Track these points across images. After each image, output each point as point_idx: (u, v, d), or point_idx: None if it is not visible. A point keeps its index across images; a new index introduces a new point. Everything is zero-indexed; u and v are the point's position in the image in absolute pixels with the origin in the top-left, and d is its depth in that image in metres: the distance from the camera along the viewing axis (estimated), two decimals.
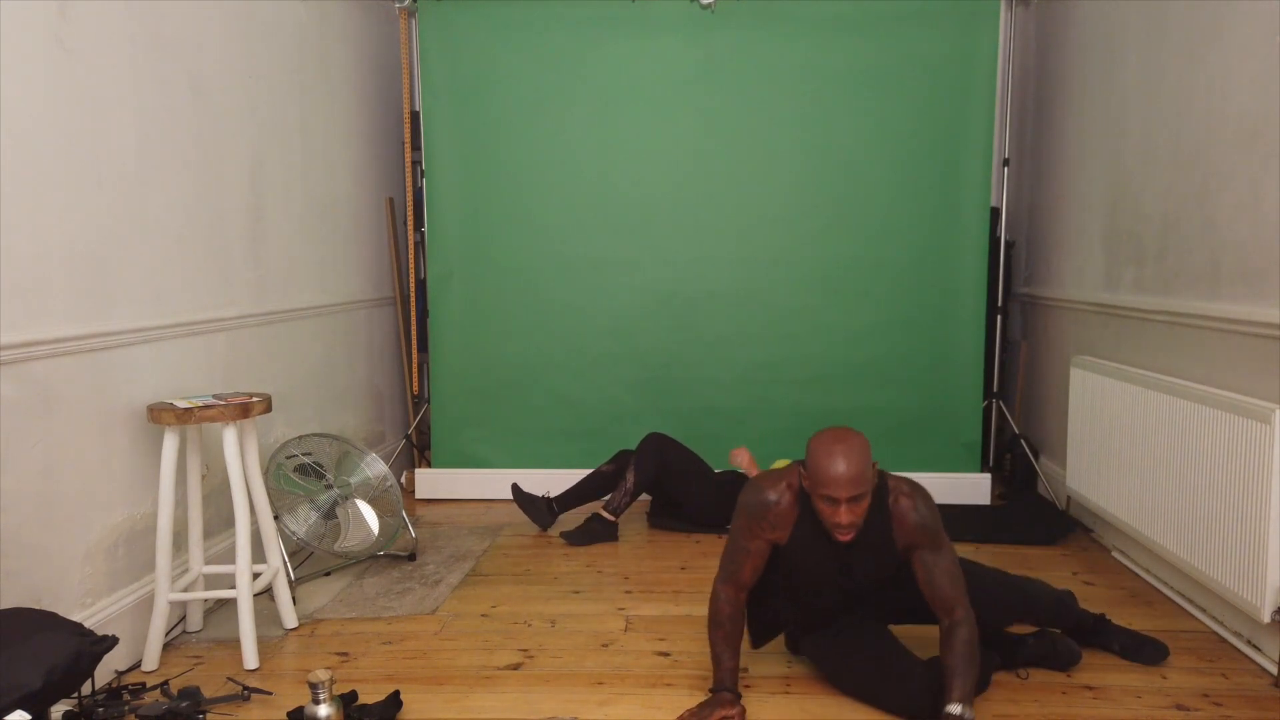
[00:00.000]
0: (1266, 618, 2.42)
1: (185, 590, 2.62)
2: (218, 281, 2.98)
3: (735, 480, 3.74)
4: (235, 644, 2.59)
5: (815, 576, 2.28)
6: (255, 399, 2.61)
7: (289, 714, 2.23)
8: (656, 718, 2.26)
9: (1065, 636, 2.52)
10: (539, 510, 3.71)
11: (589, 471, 3.80)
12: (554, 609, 2.95)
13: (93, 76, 2.39)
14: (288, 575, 2.89)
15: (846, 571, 2.26)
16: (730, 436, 4.15)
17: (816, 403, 4.10)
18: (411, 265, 4.51)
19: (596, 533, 3.60)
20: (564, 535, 3.61)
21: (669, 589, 3.12)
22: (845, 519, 2.09)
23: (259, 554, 2.88)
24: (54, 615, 1.99)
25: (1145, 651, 2.53)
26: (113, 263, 2.47)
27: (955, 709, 2.07)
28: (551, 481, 3.88)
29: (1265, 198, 2.53)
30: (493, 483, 4.20)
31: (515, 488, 3.75)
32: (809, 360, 4.08)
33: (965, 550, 3.47)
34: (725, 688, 2.23)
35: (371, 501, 3.29)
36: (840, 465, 2.06)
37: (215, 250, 2.96)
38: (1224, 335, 2.72)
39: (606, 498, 3.69)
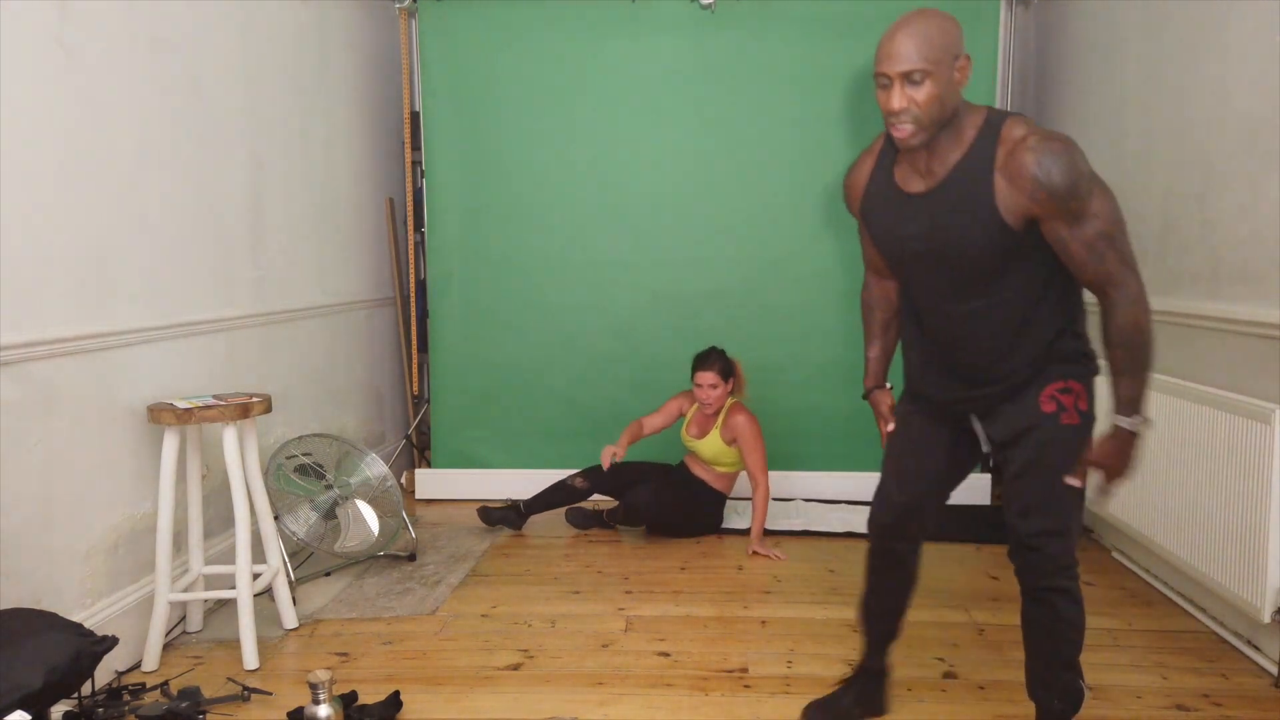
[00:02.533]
0: (1266, 618, 2.42)
1: (185, 590, 2.62)
2: (218, 282, 2.98)
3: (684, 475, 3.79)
4: (235, 644, 2.59)
5: (902, 243, 1.85)
6: (255, 399, 2.61)
7: (289, 714, 2.23)
8: (656, 718, 2.26)
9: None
10: (509, 516, 3.76)
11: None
12: (554, 609, 2.95)
13: (93, 77, 2.39)
14: (288, 575, 2.89)
15: (928, 225, 1.78)
16: None
17: (816, 402, 4.09)
18: (411, 265, 4.50)
19: (509, 518, 3.76)
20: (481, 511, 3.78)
21: (669, 589, 3.12)
22: (896, 104, 1.67)
23: (259, 554, 2.87)
24: (54, 615, 1.99)
25: None
26: (113, 263, 2.47)
27: (1123, 420, 1.72)
28: (552, 481, 3.87)
29: (1265, 198, 2.54)
30: (493, 483, 4.20)
31: (481, 512, 3.78)
32: (809, 360, 4.08)
33: (965, 550, 3.48)
34: (872, 387, 2.15)
35: (371, 502, 3.28)
36: (894, 35, 1.68)
37: (215, 250, 2.96)
38: (1223, 335, 2.72)
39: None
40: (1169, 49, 3.06)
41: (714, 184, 4.07)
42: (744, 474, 3.71)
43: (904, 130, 1.70)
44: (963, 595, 3.02)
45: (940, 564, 3.30)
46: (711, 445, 3.64)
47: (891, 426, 2.08)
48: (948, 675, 2.48)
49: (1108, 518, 3.32)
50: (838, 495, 4.03)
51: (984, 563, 3.35)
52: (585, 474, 3.74)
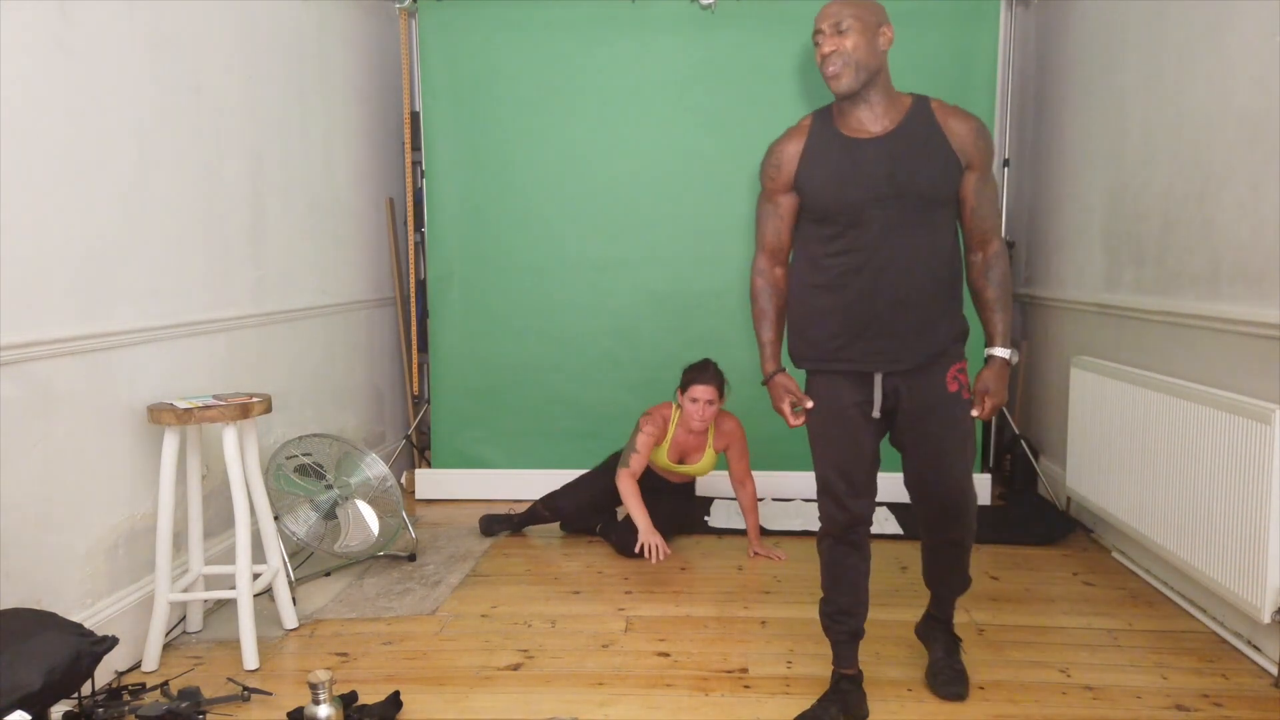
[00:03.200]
0: (1266, 618, 2.42)
1: (185, 590, 2.62)
2: (218, 282, 2.98)
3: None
4: (235, 644, 2.59)
5: (858, 183, 2.02)
6: (255, 399, 2.61)
7: (289, 714, 2.23)
8: (656, 718, 2.26)
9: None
10: (505, 522, 3.73)
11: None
12: (554, 609, 2.95)
13: (93, 77, 2.39)
14: (288, 576, 2.89)
15: (896, 168, 2.00)
16: None
17: None
18: (412, 266, 4.51)
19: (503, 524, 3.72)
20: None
21: (669, 589, 3.12)
22: (827, 47, 1.95)
23: (259, 554, 2.88)
24: (54, 615, 1.99)
25: (945, 687, 2.33)
26: (113, 263, 2.48)
27: (1000, 351, 2.06)
28: (552, 481, 3.87)
29: (1266, 198, 2.53)
30: (493, 483, 4.21)
31: (484, 520, 3.74)
32: None
33: None
34: (771, 371, 2.21)
35: (371, 502, 3.29)
36: (829, 3, 1.97)
37: (215, 251, 2.96)
38: (1224, 335, 2.72)
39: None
40: (1169, 49, 3.06)
41: (714, 184, 4.07)
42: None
43: (834, 66, 1.97)
44: (963, 595, 3.01)
45: None
46: (706, 464, 3.52)
47: (811, 404, 2.19)
48: None
49: (1108, 518, 3.32)
50: None
51: (984, 563, 3.35)
52: (550, 506, 3.65)
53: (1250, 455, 2.47)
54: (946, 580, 2.38)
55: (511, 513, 3.78)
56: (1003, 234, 2.12)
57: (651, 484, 3.56)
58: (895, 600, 2.97)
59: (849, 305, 2.08)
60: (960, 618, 2.83)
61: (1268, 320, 2.48)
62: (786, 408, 2.21)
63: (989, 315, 2.13)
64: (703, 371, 3.34)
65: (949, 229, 2.09)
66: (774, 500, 4.07)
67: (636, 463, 3.40)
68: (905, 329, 2.07)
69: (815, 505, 3.96)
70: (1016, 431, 4.30)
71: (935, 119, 2.03)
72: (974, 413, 2.14)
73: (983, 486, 4.06)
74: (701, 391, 3.31)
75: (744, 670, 2.51)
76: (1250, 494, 2.47)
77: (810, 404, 2.18)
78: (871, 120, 2.04)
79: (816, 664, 2.54)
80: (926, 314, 2.07)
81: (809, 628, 2.78)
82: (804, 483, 4.08)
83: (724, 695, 2.38)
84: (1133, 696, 2.35)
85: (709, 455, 3.49)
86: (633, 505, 3.32)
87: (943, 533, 2.24)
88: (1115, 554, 3.39)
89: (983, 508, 3.96)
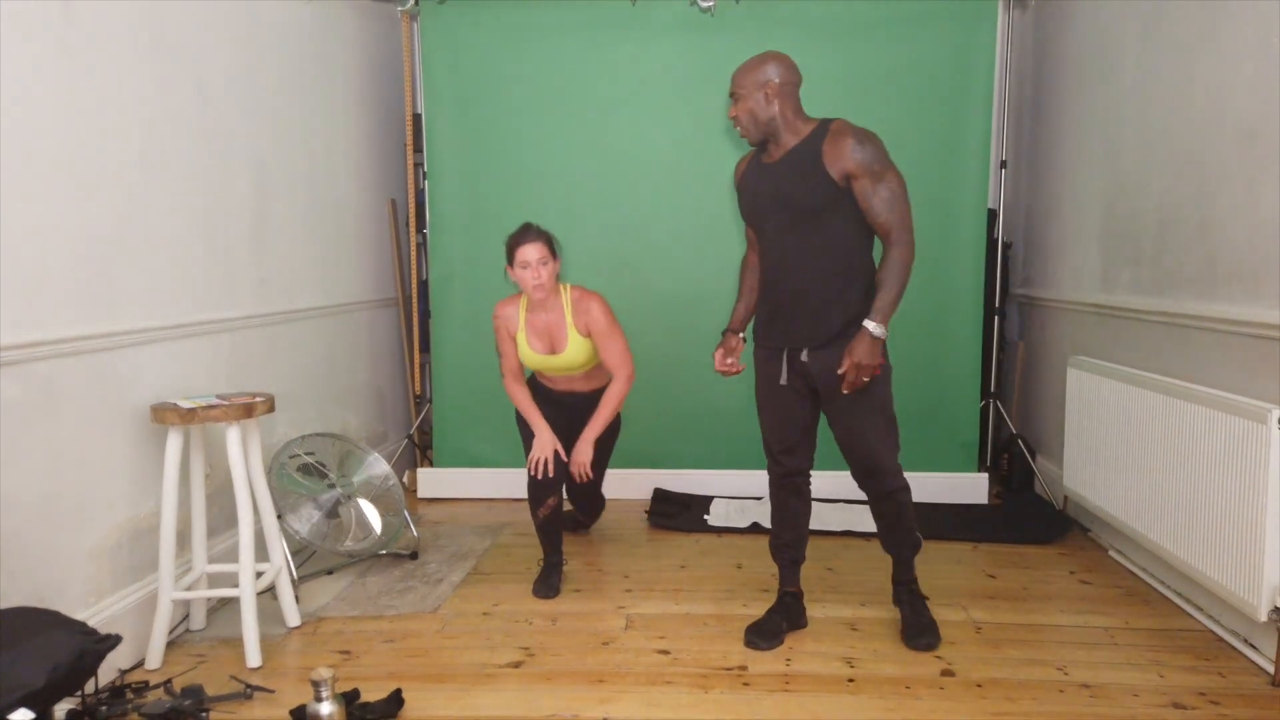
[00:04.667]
0: (1263, 616, 2.43)
1: (188, 589, 2.64)
2: (221, 282, 3.00)
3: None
4: (238, 642, 2.61)
5: (758, 200, 2.56)
6: (258, 399, 2.62)
7: (291, 712, 2.24)
8: (657, 716, 2.28)
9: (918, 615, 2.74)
10: (556, 567, 3.22)
11: None
12: (555, 607, 2.97)
13: (96, 78, 2.41)
14: (290, 574, 2.91)
15: (778, 188, 2.49)
16: (730, 437, 4.17)
17: None
18: (414, 266, 4.52)
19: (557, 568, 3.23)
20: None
21: (669, 587, 3.14)
22: (731, 112, 2.51)
23: (262, 553, 2.89)
24: (57, 614, 2.00)
25: (915, 639, 2.65)
26: (116, 263, 2.49)
27: (872, 326, 2.38)
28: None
29: (1262, 199, 2.55)
30: (494, 482, 4.22)
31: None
32: None
33: (963, 549, 3.49)
34: (729, 329, 2.75)
35: (374, 500, 3.30)
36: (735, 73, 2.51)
37: (218, 251, 2.98)
38: (1221, 336, 2.74)
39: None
40: (1166, 51, 3.07)
41: (714, 185, 4.08)
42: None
43: (740, 128, 2.52)
44: (960, 594, 3.03)
45: (937, 562, 3.32)
46: (576, 352, 3.07)
47: (730, 361, 2.70)
48: (945, 673, 2.49)
49: (1105, 517, 3.34)
50: (835, 494, 4.04)
51: (981, 561, 3.36)
52: (540, 497, 3.13)
53: (1247, 455, 2.48)
54: (894, 539, 2.71)
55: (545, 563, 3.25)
56: (907, 226, 2.44)
57: (556, 399, 3.25)
58: (891, 599, 2.98)
59: (773, 296, 2.59)
60: (957, 615, 2.85)
61: (1264, 320, 2.50)
62: (716, 356, 2.71)
63: (878, 292, 2.44)
64: (524, 233, 2.97)
65: (840, 232, 2.48)
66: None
67: (505, 364, 3.15)
68: (802, 315, 2.52)
69: (814, 504, 4.02)
70: (1014, 431, 4.31)
71: (820, 142, 2.43)
72: (843, 384, 2.45)
73: (980, 486, 4.08)
74: (529, 252, 2.92)
75: (743, 668, 2.53)
76: (1247, 493, 2.48)
77: (730, 361, 2.70)
78: (776, 151, 2.53)
79: (815, 662, 2.56)
80: (818, 303, 2.50)
81: (808, 626, 2.79)
82: None
83: (723, 693, 2.39)
84: (1130, 694, 2.37)
85: (574, 339, 3.06)
86: (524, 409, 3.11)
87: (869, 489, 2.64)
88: (1112, 553, 3.40)
89: (980, 507, 3.99)
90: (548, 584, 3.09)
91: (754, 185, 2.58)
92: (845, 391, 2.43)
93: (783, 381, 2.59)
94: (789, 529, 2.77)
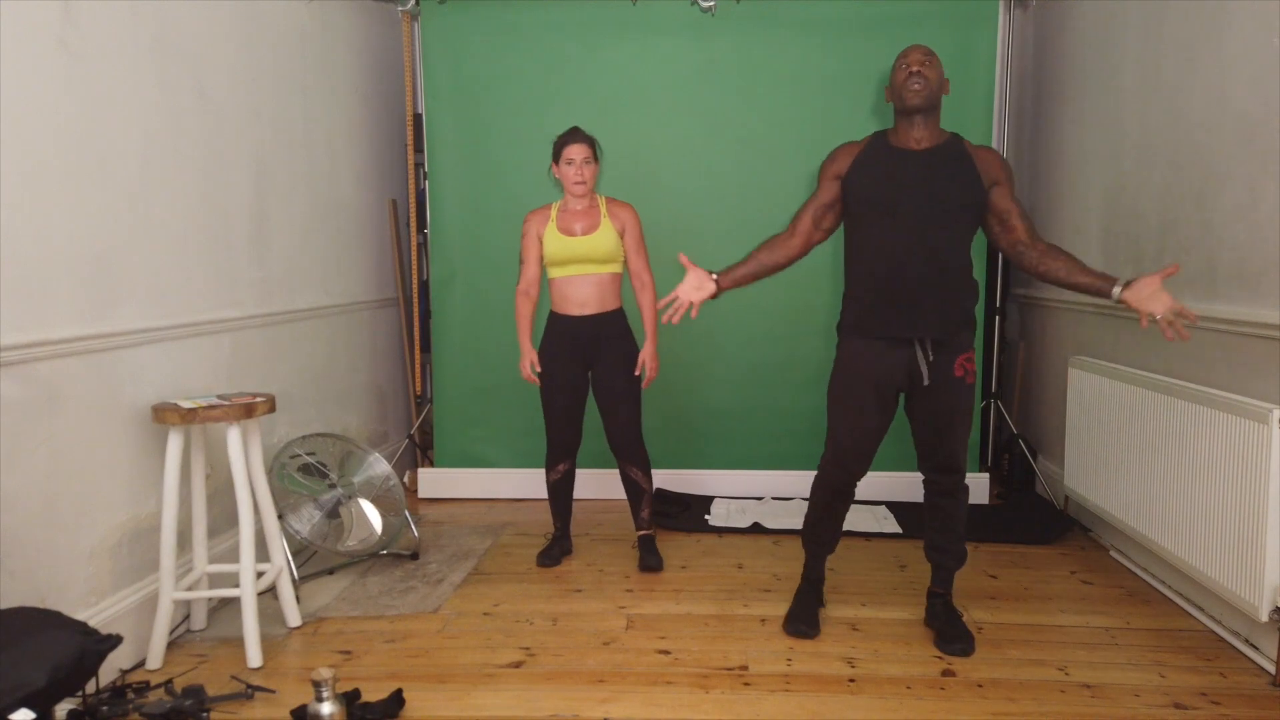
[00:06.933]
0: (1264, 617, 2.43)
1: (189, 589, 2.64)
2: (222, 282, 3.00)
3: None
4: (239, 642, 2.61)
5: (899, 186, 2.47)
6: (259, 399, 2.62)
7: (292, 712, 2.24)
8: (657, 716, 2.28)
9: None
10: (562, 547, 3.46)
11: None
12: (555, 607, 2.97)
13: (97, 79, 2.41)
14: (291, 574, 2.91)
15: (932, 178, 2.45)
16: (730, 437, 4.17)
17: (817, 403, 4.06)
18: (414, 266, 4.52)
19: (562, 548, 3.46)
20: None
21: (670, 587, 3.14)
22: (916, 66, 2.42)
23: (263, 553, 2.89)
24: (58, 614, 2.00)
25: (950, 644, 2.63)
26: (117, 264, 2.49)
27: (1117, 290, 2.35)
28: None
29: (1263, 199, 2.55)
30: (495, 482, 4.23)
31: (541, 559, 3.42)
32: (809, 360, 4.09)
33: None
34: (717, 275, 2.60)
35: (374, 501, 3.30)
36: (914, 50, 2.46)
37: (219, 251, 2.98)
38: (1221, 336, 2.73)
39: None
40: (1167, 50, 3.07)
41: (714, 186, 4.08)
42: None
43: (919, 87, 2.43)
44: (961, 593, 3.03)
45: None
46: (606, 238, 3.18)
47: (695, 300, 2.56)
48: (946, 673, 2.49)
49: (1106, 517, 3.34)
50: None
51: (982, 561, 3.36)
52: (553, 461, 3.36)
53: (1248, 455, 2.48)
54: (945, 542, 2.69)
55: (550, 536, 3.53)
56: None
57: (571, 331, 3.24)
58: (895, 599, 2.99)
59: (884, 285, 2.51)
60: None
61: (1265, 320, 2.49)
62: (682, 290, 2.56)
63: (1078, 274, 2.43)
64: (572, 133, 3.19)
65: (969, 232, 2.52)
66: (774, 499, 4.08)
67: (525, 274, 3.29)
68: (930, 304, 2.48)
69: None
70: (1015, 431, 4.31)
71: (965, 150, 2.50)
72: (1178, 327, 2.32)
73: (981, 486, 4.07)
74: (575, 151, 3.15)
75: (744, 668, 2.53)
76: (1248, 493, 2.48)
77: (685, 304, 2.56)
78: (920, 139, 2.50)
79: (816, 662, 2.56)
80: (948, 294, 2.50)
81: None
82: (806, 482, 4.08)
83: (724, 693, 2.39)
84: (1131, 695, 2.37)
85: (606, 226, 3.20)
86: (519, 324, 3.29)
87: (942, 486, 2.64)
88: (1113, 553, 3.40)
89: (981, 507, 3.99)
90: (549, 554, 3.39)
91: (891, 170, 2.49)
92: (1170, 329, 2.30)
93: (925, 382, 2.52)
94: (832, 530, 2.78)
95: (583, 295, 3.23)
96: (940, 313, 2.49)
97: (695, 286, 2.57)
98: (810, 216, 2.61)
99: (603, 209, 3.25)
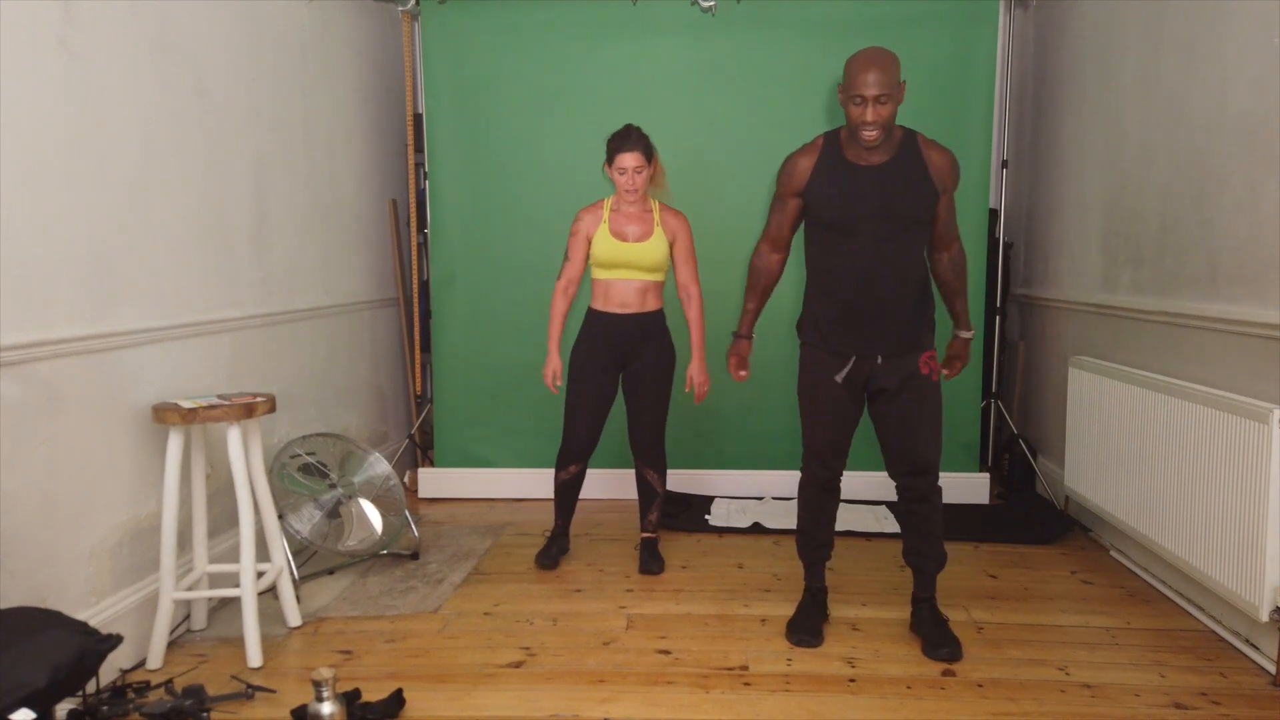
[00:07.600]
0: (1264, 617, 2.43)
1: (189, 589, 2.64)
2: (222, 282, 3.00)
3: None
4: (239, 642, 2.61)
5: (855, 203, 2.45)
6: (259, 399, 2.62)
7: (292, 712, 2.24)
8: (657, 715, 2.28)
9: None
10: (560, 546, 3.43)
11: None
12: (555, 607, 2.97)
13: (97, 78, 2.41)
14: (291, 574, 2.91)
15: (886, 194, 2.44)
16: (730, 437, 4.17)
17: None
18: (414, 266, 4.52)
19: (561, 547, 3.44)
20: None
21: (670, 587, 3.14)
22: (871, 117, 2.33)
23: (263, 553, 2.89)
24: (59, 614, 2.00)
25: (935, 649, 2.61)
26: (117, 264, 2.49)
27: (965, 333, 2.67)
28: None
29: (1263, 199, 2.55)
30: (495, 482, 4.23)
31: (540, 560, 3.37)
32: None
33: (964, 549, 3.49)
34: (742, 335, 2.76)
35: (375, 500, 3.30)
36: (870, 69, 2.31)
37: (219, 251, 2.98)
38: (1222, 336, 2.73)
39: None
40: (1167, 50, 3.07)
41: (714, 186, 4.08)
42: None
43: (873, 134, 2.36)
44: (961, 594, 3.03)
45: None
46: (658, 248, 3.17)
47: (745, 373, 2.76)
48: (946, 673, 2.49)
49: (1106, 517, 3.34)
50: None
51: (982, 561, 3.36)
52: (565, 461, 3.32)
53: (1248, 455, 2.48)
54: (923, 548, 2.69)
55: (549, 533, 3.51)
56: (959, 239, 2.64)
57: (611, 330, 3.22)
58: (895, 599, 2.99)
59: (843, 300, 2.56)
60: (959, 615, 2.85)
61: (1265, 320, 2.49)
62: (732, 365, 2.75)
63: (953, 301, 2.67)
64: (625, 139, 3.12)
65: (922, 243, 2.55)
66: (774, 499, 4.08)
67: (568, 270, 3.26)
68: (890, 322, 2.54)
69: None
70: (1015, 431, 4.31)
71: (919, 152, 2.46)
72: (944, 374, 2.69)
73: (981, 486, 4.08)
74: (627, 159, 3.10)
75: (744, 668, 2.53)
76: (1248, 493, 2.48)
77: (745, 373, 2.76)
78: (872, 154, 2.45)
79: (816, 662, 2.56)
80: (908, 311, 2.54)
81: None
82: None
83: (724, 693, 2.39)
84: (1131, 695, 2.37)
85: (658, 234, 3.18)
86: (552, 322, 3.29)
87: (913, 490, 2.66)
88: (1113, 553, 3.40)
89: (981, 507, 3.99)
90: (548, 554, 3.36)
91: (847, 188, 2.46)
92: (935, 380, 2.56)
93: (838, 379, 2.57)
94: (824, 529, 2.78)
95: (625, 297, 3.22)
96: (898, 333, 2.54)
97: (741, 362, 2.76)
98: (788, 228, 2.66)
99: (656, 216, 3.21)
